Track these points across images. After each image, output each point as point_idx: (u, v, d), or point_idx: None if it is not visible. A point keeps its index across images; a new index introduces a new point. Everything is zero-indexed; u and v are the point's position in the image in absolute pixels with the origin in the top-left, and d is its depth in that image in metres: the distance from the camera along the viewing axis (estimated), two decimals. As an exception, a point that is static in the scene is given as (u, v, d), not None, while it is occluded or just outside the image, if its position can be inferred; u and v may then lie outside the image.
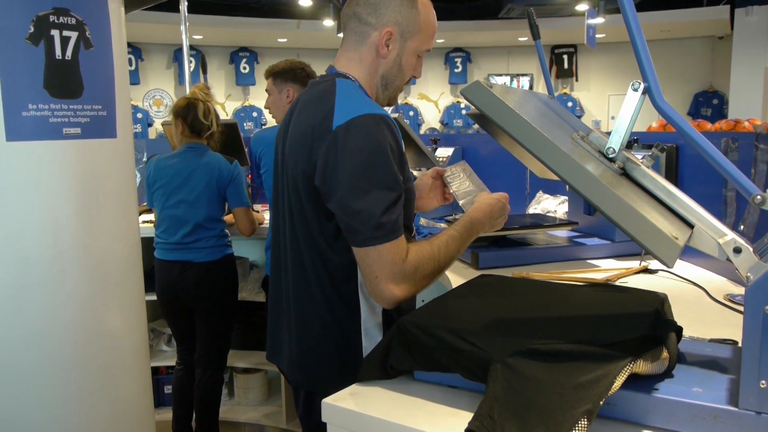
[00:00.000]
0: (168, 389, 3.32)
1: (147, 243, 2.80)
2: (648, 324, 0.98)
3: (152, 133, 8.91)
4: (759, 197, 0.89)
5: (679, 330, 1.04)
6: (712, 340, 1.17)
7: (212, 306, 2.64)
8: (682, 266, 1.92)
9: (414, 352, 1.01)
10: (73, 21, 1.61)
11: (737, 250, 0.88)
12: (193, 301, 2.63)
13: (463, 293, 1.21)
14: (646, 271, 1.85)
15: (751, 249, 0.88)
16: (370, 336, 1.24)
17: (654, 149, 1.02)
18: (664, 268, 1.86)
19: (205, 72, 3.85)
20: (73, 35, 1.60)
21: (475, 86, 0.92)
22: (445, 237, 1.22)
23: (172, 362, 3.20)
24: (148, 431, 1.99)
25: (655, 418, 0.87)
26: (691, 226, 0.93)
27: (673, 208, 0.95)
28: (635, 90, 0.94)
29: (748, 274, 0.85)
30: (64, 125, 1.63)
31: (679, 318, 1.11)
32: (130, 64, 8.82)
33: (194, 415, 2.81)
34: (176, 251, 2.58)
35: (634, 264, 1.90)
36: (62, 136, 1.63)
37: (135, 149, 3.97)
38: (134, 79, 8.85)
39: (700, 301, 1.56)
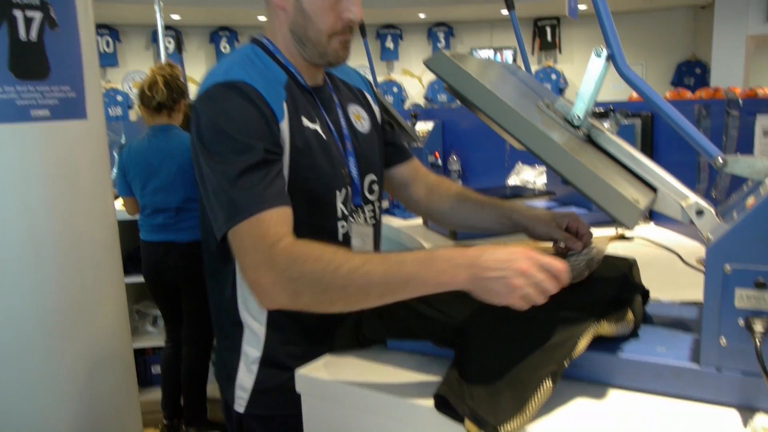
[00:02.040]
0: (155, 370, 3.33)
1: (127, 227, 2.79)
2: (615, 288, 0.99)
3: (132, 116, 8.81)
4: (720, 159, 0.91)
5: (645, 293, 1.06)
6: (682, 303, 1.19)
7: (198, 285, 2.64)
8: (658, 232, 1.95)
9: (386, 321, 1.03)
10: (37, 1, 1.58)
11: (700, 213, 0.90)
12: (178, 281, 2.63)
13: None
14: (621, 238, 1.87)
15: (713, 211, 0.90)
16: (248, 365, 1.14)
17: (618, 114, 1.03)
18: (640, 234, 1.89)
19: (181, 51, 3.81)
20: (37, 15, 1.57)
21: (438, 56, 0.92)
22: (373, 256, 0.92)
23: (158, 343, 3.21)
24: (133, 412, 2.00)
25: (620, 378, 0.89)
26: (654, 190, 0.94)
27: (637, 173, 0.96)
28: (598, 56, 0.94)
29: (710, 235, 0.86)
30: (32, 107, 1.61)
31: (651, 282, 1.13)
32: (108, 46, 8.67)
33: (182, 393, 2.83)
34: (160, 232, 2.59)
35: (611, 232, 1.92)
36: (30, 118, 1.61)
37: (114, 132, 3.94)
38: (112, 61, 8.71)
39: (673, 266, 1.59)
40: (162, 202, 2.54)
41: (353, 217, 1.17)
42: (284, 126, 1.03)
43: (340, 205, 1.12)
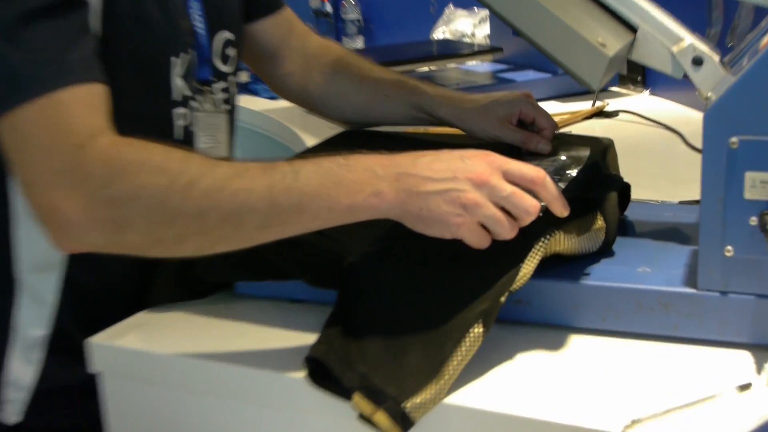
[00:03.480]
0: None
1: None
2: (578, 182, 1.00)
3: None
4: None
5: (624, 188, 1.08)
6: (681, 203, 1.23)
7: None
8: (654, 104, 2.00)
9: (233, 254, 1.00)
10: None
11: (698, 61, 0.90)
12: None
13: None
14: (601, 114, 1.91)
15: (716, 59, 0.91)
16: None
17: None
18: (628, 107, 1.93)
19: None
20: None
21: None
22: (248, 164, 0.86)
23: None
24: None
25: (585, 316, 0.91)
26: (634, 29, 0.94)
27: (609, 4, 0.95)
28: None
29: (710, 93, 0.88)
30: None
31: (637, 175, 1.15)
32: None
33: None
34: None
35: (586, 106, 1.96)
36: None
37: None
38: None
39: (672, 151, 1.64)
40: None
41: (197, 101, 1.13)
42: None
43: (177, 81, 1.08)
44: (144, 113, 1.05)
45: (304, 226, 0.85)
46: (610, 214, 0.97)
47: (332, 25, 2.96)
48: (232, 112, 1.23)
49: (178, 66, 1.08)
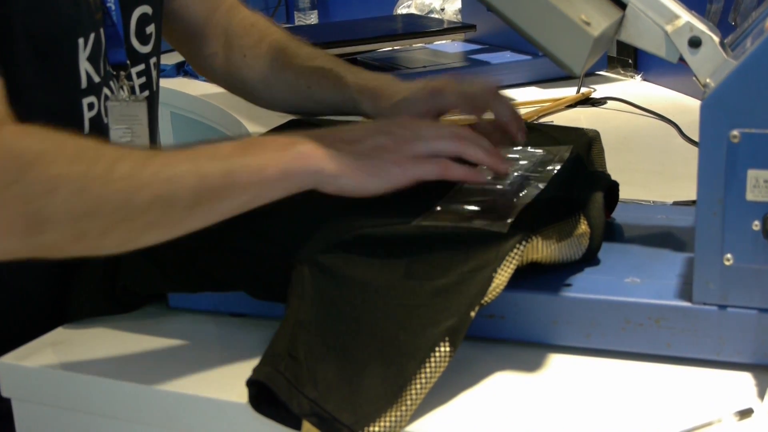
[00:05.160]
0: None
1: None
2: (558, 180, 1.01)
3: None
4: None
5: (611, 187, 1.09)
6: (676, 204, 1.24)
7: None
8: (647, 91, 2.02)
9: (165, 262, 1.00)
10: None
11: (695, 43, 0.91)
12: None
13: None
14: (586, 101, 1.93)
15: (717, 40, 0.91)
16: None
17: None
18: (618, 94, 1.94)
19: None
20: None
21: None
22: (163, 148, 0.97)
23: None
24: None
25: (566, 332, 0.92)
26: (623, 6, 0.95)
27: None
28: None
29: (709, 80, 0.88)
30: None
31: (628, 171, 1.16)
32: None
33: None
34: None
35: (570, 92, 1.97)
36: None
37: None
38: None
39: (667, 145, 1.66)
40: None
41: (110, 88, 1.14)
42: None
43: (85, 66, 1.09)
44: (47, 104, 1.05)
45: (236, 202, 0.88)
46: (595, 217, 0.98)
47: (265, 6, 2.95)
48: (152, 98, 1.23)
49: (85, 48, 1.08)
